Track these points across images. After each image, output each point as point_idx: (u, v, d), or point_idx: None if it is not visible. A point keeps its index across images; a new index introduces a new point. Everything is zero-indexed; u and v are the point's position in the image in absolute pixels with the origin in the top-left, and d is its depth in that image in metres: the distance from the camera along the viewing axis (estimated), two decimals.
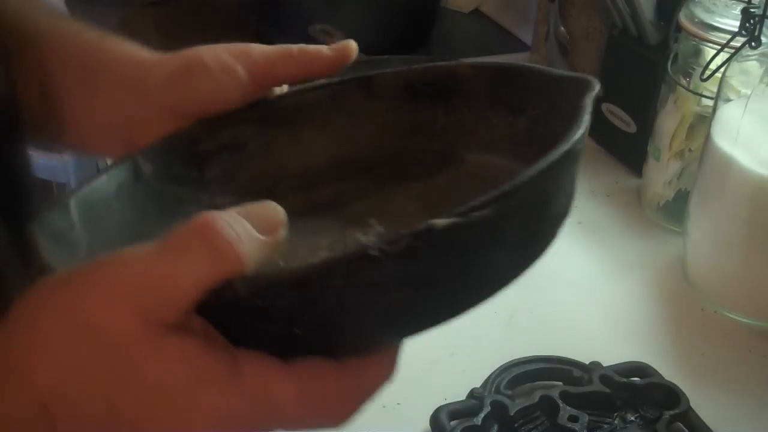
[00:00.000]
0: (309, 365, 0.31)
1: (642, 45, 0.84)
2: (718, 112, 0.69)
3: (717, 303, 0.71)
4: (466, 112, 0.49)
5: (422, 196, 0.48)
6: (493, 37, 1.21)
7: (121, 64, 0.48)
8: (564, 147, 0.35)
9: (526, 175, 0.32)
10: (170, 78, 0.45)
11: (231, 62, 0.45)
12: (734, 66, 0.68)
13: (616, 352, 0.63)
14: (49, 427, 0.30)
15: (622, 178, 0.89)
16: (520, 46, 1.16)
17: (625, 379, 0.59)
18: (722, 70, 0.69)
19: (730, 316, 0.70)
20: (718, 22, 0.72)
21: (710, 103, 0.71)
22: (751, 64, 0.69)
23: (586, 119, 0.38)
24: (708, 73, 0.71)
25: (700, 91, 0.74)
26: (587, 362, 0.61)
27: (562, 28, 0.95)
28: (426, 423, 0.57)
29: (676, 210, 0.79)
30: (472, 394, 0.58)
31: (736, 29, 0.69)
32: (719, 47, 0.70)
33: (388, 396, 0.35)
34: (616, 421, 0.57)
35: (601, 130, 0.90)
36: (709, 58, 0.72)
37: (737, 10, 0.70)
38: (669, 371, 0.60)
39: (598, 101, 0.96)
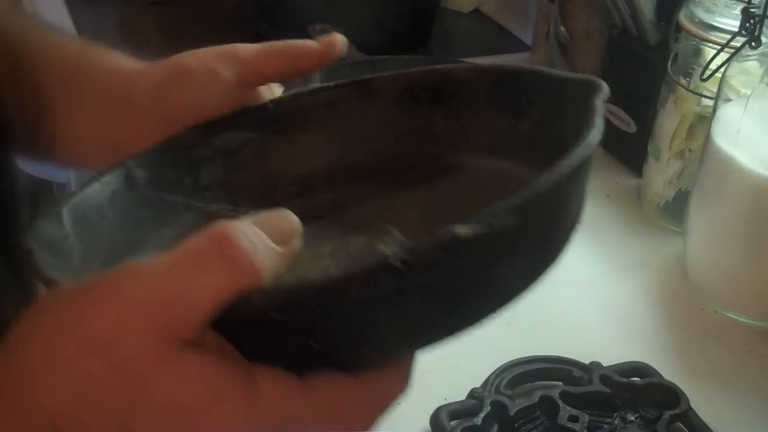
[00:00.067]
0: (325, 380, 0.31)
1: (642, 45, 0.84)
2: (718, 112, 0.69)
3: (717, 303, 0.71)
4: (466, 116, 0.48)
5: (424, 202, 0.47)
6: (493, 37, 1.21)
7: (106, 76, 0.47)
8: (583, 151, 0.34)
9: (548, 180, 0.32)
10: (157, 87, 0.45)
11: (217, 66, 0.45)
12: (734, 66, 0.68)
13: (616, 352, 0.63)
14: None
15: (622, 178, 0.89)
16: (520, 46, 1.16)
17: (625, 379, 0.59)
18: (722, 70, 0.69)
19: (730, 316, 0.70)
20: (718, 22, 0.72)
21: (710, 103, 0.71)
22: (751, 64, 0.69)
23: (599, 122, 0.37)
24: (708, 73, 0.71)
25: (700, 91, 0.74)
26: (587, 362, 0.61)
27: (562, 28, 0.95)
28: (426, 423, 0.57)
29: (676, 210, 0.79)
30: (472, 394, 0.58)
31: (736, 29, 0.69)
32: (719, 47, 0.70)
33: None
34: (616, 421, 0.57)
35: None
36: (709, 58, 0.72)
37: (737, 10, 0.70)
38: (669, 371, 0.60)
39: None
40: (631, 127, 0.87)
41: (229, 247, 0.29)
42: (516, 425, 0.56)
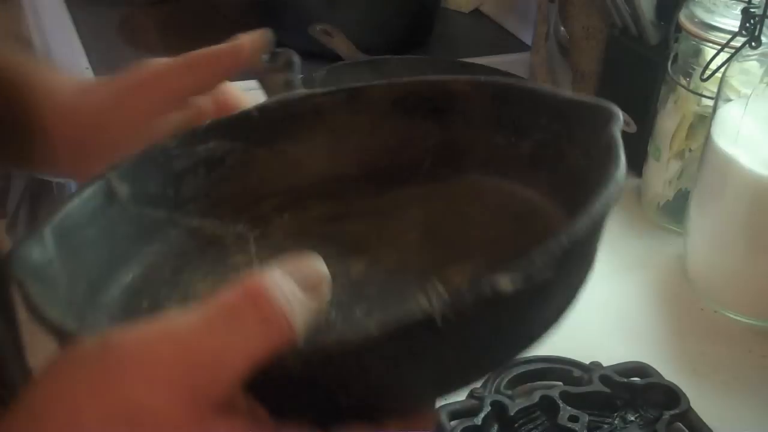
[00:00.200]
0: None
1: (642, 45, 0.84)
2: (718, 112, 0.69)
3: (717, 303, 0.71)
4: (461, 130, 0.46)
5: (422, 222, 0.46)
6: (493, 37, 1.21)
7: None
8: (612, 192, 0.33)
9: (584, 226, 0.31)
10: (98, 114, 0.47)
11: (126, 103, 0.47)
12: (734, 66, 0.68)
13: (616, 352, 0.63)
14: None
15: None
16: (520, 46, 1.16)
17: (625, 379, 0.59)
18: (722, 70, 0.69)
19: (730, 316, 0.70)
20: (718, 22, 0.72)
21: (710, 103, 0.71)
22: (751, 64, 0.69)
23: (623, 157, 0.35)
24: (708, 73, 0.71)
25: (700, 91, 0.74)
26: (587, 362, 0.61)
27: (562, 28, 0.95)
28: None
29: (676, 210, 0.79)
30: (472, 394, 0.58)
31: (736, 29, 0.69)
32: (719, 47, 0.70)
33: None
34: (616, 421, 0.57)
35: None
36: (709, 58, 0.72)
37: (737, 10, 0.70)
38: (669, 371, 0.60)
39: None
40: (631, 127, 0.87)
41: (265, 303, 0.28)
42: (516, 425, 0.56)
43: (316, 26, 1.01)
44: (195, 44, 0.50)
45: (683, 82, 0.76)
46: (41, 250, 0.37)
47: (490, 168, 0.46)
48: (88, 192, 0.41)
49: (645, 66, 0.83)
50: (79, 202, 0.41)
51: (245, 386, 0.28)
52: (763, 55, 0.68)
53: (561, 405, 0.56)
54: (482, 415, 0.56)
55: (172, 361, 0.27)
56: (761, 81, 0.66)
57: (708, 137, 0.69)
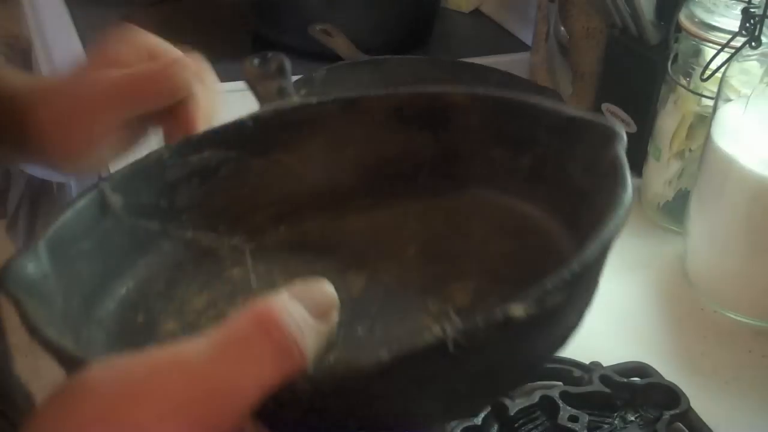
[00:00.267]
0: None
1: (642, 45, 0.84)
2: (718, 112, 0.69)
3: (717, 303, 0.71)
4: (459, 143, 0.46)
5: (420, 236, 0.45)
6: (493, 37, 1.21)
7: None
8: (620, 216, 0.33)
9: (594, 251, 0.31)
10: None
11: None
12: (734, 66, 0.68)
13: (616, 352, 0.63)
14: None
15: None
16: (520, 46, 1.16)
17: (625, 379, 0.59)
18: (722, 70, 0.69)
19: (730, 316, 0.70)
20: (718, 22, 0.72)
21: (710, 103, 0.71)
22: (751, 64, 0.69)
23: (628, 179, 0.36)
24: (708, 73, 0.71)
25: (700, 91, 0.74)
26: (587, 362, 0.61)
27: (562, 28, 0.95)
28: None
29: (676, 210, 0.79)
30: None
31: (736, 29, 0.69)
32: (719, 47, 0.70)
33: None
34: (616, 421, 0.57)
35: None
36: (709, 58, 0.72)
37: (737, 10, 0.70)
38: (669, 371, 0.60)
39: (598, 101, 0.96)
40: (631, 127, 0.87)
41: (276, 331, 0.27)
42: (516, 425, 0.56)
43: (316, 26, 1.01)
44: (195, 44, 0.50)
45: (683, 82, 0.76)
46: (36, 264, 0.36)
47: (489, 182, 0.45)
48: (82, 203, 0.41)
49: (645, 66, 0.83)
50: (73, 214, 0.40)
51: (254, 412, 0.28)
52: (763, 55, 0.68)
53: (561, 405, 0.56)
54: (482, 415, 0.56)
55: (183, 391, 0.27)
56: (761, 81, 0.66)
57: (708, 137, 0.69)
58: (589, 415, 0.56)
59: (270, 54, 0.52)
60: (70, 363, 0.31)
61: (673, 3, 0.78)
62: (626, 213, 0.34)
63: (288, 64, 0.50)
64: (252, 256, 0.45)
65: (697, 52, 0.75)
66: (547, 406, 0.57)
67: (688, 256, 0.74)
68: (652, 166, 0.81)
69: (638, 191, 0.85)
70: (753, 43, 0.68)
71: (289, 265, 0.45)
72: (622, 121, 0.88)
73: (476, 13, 1.27)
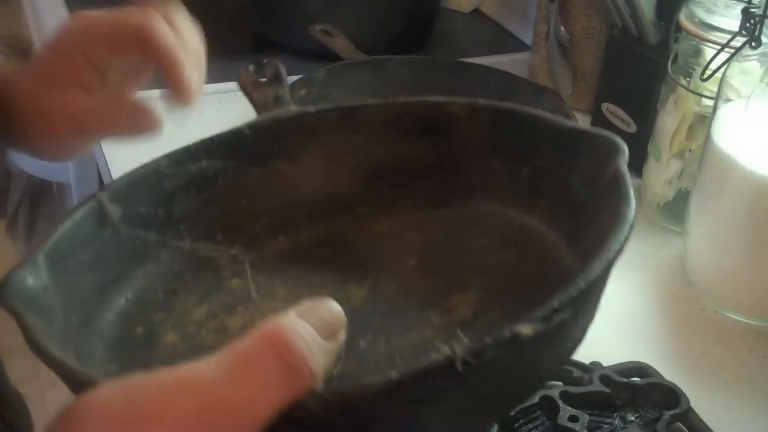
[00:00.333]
0: None
1: (642, 45, 0.84)
2: (718, 112, 0.69)
3: (717, 303, 0.71)
4: (458, 153, 0.46)
5: (419, 246, 0.45)
6: (493, 37, 1.21)
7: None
8: (625, 232, 0.34)
9: (599, 268, 0.32)
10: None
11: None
12: (734, 66, 0.68)
13: (616, 352, 0.63)
14: None
15: None
16: (520, 46, 1.16)
17: (625, 379, 0.59)
18: (722, 70, 0.69)
19: (730, 316, 0.70)
20: (718, 22, 0.72)
21: (710, 103, 0.71)
22: (751, 64, 0.68)
23: (631, 194, 0.36)
24: (708, 73, 0.71)
25: (700, 91, 0.74)
26: (587, 362, 0.61)
27: (562, 28, 0.95)
28: None
29: (676, 210, 0.79)
30: None
31: (736, 29, 0.69)
32: (719, 47, 0.70)
33: None
34: (616, 421, 0.57)
35: None
36: (709, 58, 0.72)
37: (737, 10, 0.70)
38: (669, 371, 0.60)
39: (598, 101, 0.96)
40: (631, 127, 0.87)
41: (286, 352, 0.27)
42: (516, 425, 0.56)
43: (316, 26, 1.01)
44: None
45: (683, 82, 0.76)
46: (36, 277, 0.36)
47: (488, 193, 0.45)
48: (80, 214, 0.41)
49: (645, 66, 0.83)
50: (72, 225, 0.40)
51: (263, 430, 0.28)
52: (763, 55, 0.68)
53: (561, 405, 0.56)
54: None
55: (195, 412, 0.27)
56: (761, 81, 0.66)
57: (708, 137, 0.69)
58: (589, 415, 0.56)
59: (266, 60, 0.52)
60: (77, 382, 0.31)
61: (673, 3, 0.78)
62: (630, 229, 0.34)
63: (284, 70, 0.50)
64: (251, 266, 0.45)
65: (697, 52, 0.75)
66: (547, 406, 0.57)
67: (688, 256, 0.74)
68: (652, 166, 0.81)
69: (638, 191, 0.85)
70: (753, 43, 0.67)
71: (289, 276, 0.45)
72: (623, 121, 0.88)
73: (476, 13, 1.27)
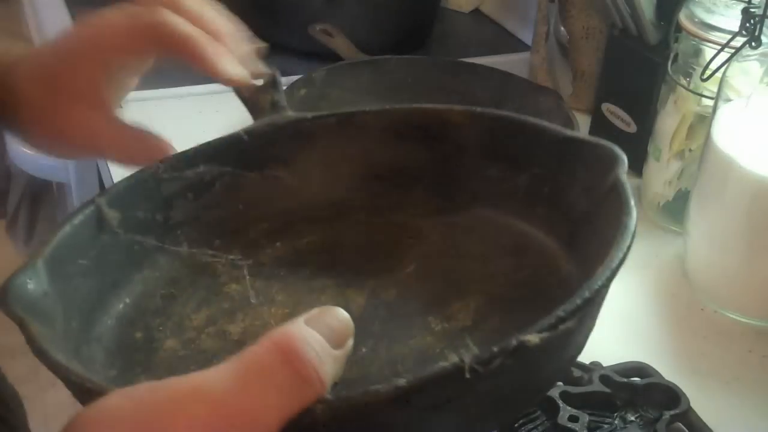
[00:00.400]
0: None
1: (642, 45, 0.84)
2: (718, 112, 0.68)
3: (717, 303, 0.71)
4: (456, 160, 0.46)
5: (417, 252, 0.46)
6: (493, 37, 1.21)
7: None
8: (627, 241, 0.35)
9: (603, 277, 0.33)
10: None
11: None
12: (734, 66, 0.68)
13: (616, 352, 0.63)
14: None
15: None
16: (520, 46, 1.16)
17: (625, 379, 0.59)
18: (722, 70, 0.69)
19: (730, 316, 0.70)
20: (718, 22, 0.72)
21: (710, 103, 0.71)
22: (751, 64, 0.68)
23: (632, 204, 0.37)
24: (708, 73, 0.71)
25: (700, 91, 0.74)
26: (587, 362, 0.61)
27: (562, 28, 0.95)
28: None
29: (676, 210, 0.79)
30: None
31: (736, 29, 0.69)
32: (719, 47, 0.70)
33: None
34: (616, 421, 0.57)
35: (601, 130, 0.90)
36: (709, 58, 0.72)
37: (737, 10, 0.70)
38: (669, 371, 0.60)
39: (598, 101, 0.96)
40: (631, 127, 0.87)
41: (297, 360, 0.28)
42: (516, 425, 0.56)
43: (316, 26, 1.01)
44: None
45: (683, 82, 0.76)
46: (36, 282, 0.36)
47: (486, 200, 0.45)
48: (79, 219, 0.41)
49: (645, 66, 0.83)
50: (71, 230, 0.40)
51: None
52: (763, 55, 0.68)
53: (561, 405, 0.56)
54: None
55: (207, 420, 0.27)
56: (761, 81, 0.66)
57: (708, 137, 0.69)
58: (589, 415, 0.56)
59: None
60: (84, 389, 0.31)
61: (673, 3, 0.78)
62: (632, 239, 0.35)
63: (280, 76, 0.50)
64: (249, 272, 0.45)
65: (697, 52, 0.75)
66: (547, 406, 0.57)
67: (688, 256, 0.74)
68: (652, 166, 0.81)
69: (638, 191, 0.85)
70: (753, 43, 0.67)
71: (288, 282, 0.45)
72: (623, 121, 0.88)
73: (476, 13, 1.27)
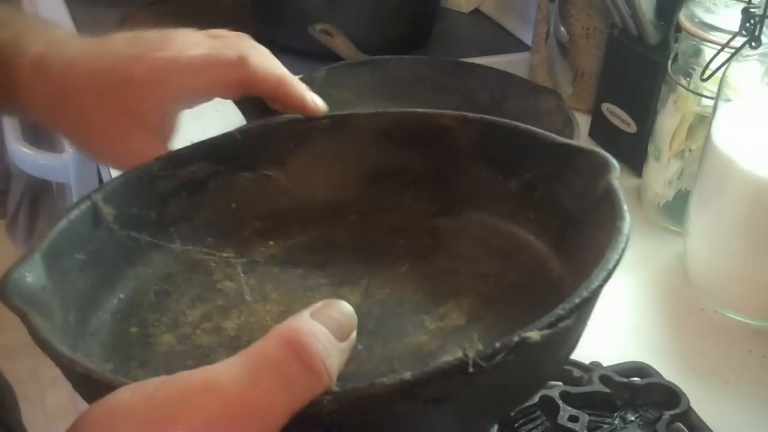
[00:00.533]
0: None
1: (642, 45, 0.84)
2: (718, 112, 0.69)
3: (717, 303, 0.71)
4: (448, 164, 0.47)
5: (409, 253, 0.46)
6: (493, 37, 1.21)
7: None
8: (621, 244, 0.36)
9: (600, 277, 0.34)
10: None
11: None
12: (734, 66, 0.68)
13: (616, 352, 0.63)
14: None
15: (622, 178, 0.87)
16: (520, 46, 1.16)
17: (625, 379, 0.59)
18: (722, 70, 0.69)
19: (730, 316, 0.70)
20: (718, 22, 0.72)
21: (710, 103, 0.71)
22: (751, 64, 0.69)
23: (625, 208, 0.38)
24: (708, 73, 0.71)
25: (700, 91, 0.74)
26: (587, 362, 0.61)
27: (562, 28, 0.95)
28: None
29: (676, 210, 0.79)
30: None
31: (736, 29, 0.69)
32: (719, 47, 0.70)
33: None
34: (616, 421, 0.57)
35: (601, 130, 0.90)
36: (709, 58, 0.72)
37: (737, 10, 0.70)
38: (669, 371, 0.60)
39: (598, 101, 0.96)
40: (631, 127, 0.87)
41: (305, 353, 0.28)
42: (516, 425, 0.56)
43: (316, 26, 1.01)
44: None
45: (683, 82, 0.76)
46: (35, 275, 0.37)
47: (478, 203, 0.46)
48: (75, 214, 0.41)
49: (645, 66, 0.83)
50: (67, 224, 0.41)
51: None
52: (763, 55, 0.68)
53: (561, 405, 0.56)
54: None
55: (218, 414, 0.27)
56: (761, 81, 0.66)
57: (708, 137, 0.69)
58: (589, 415, 0.56)
59: None
60: (89, 381, 0.31)
61: (673, 3, 0.78)
62: (627, 242, 0.36)
63: None
64: (243, 270, 0.46)
65: (697, 52, 0.75)
66: (547, 406, 0.57)
67: (688, 256, 0.74)
68: (652, 166, 0.81)
69: (638, 191, 0.85)
70: (753, 43, 0.67)
71: (281, 280, 0.45)
72: (623, 121, 0.88)
73: (476, 13, 1.27)
